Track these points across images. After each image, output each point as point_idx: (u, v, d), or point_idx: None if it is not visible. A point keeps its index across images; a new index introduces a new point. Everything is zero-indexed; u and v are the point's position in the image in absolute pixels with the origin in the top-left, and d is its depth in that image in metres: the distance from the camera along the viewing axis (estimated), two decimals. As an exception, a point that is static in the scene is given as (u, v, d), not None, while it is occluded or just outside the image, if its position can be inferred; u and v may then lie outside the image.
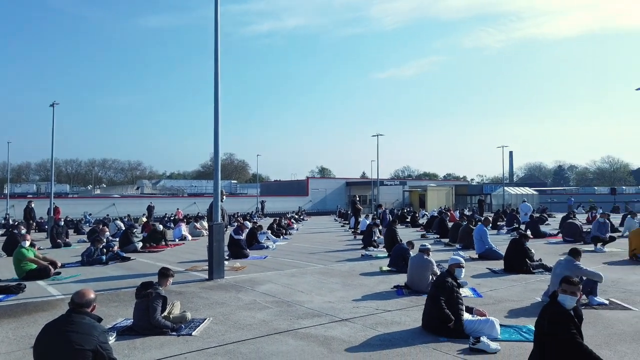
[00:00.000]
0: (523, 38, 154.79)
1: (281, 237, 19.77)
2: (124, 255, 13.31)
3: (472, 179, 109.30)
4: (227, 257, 12.26)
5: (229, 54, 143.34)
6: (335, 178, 68.92)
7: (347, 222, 28.79)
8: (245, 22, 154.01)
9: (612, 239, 14.36)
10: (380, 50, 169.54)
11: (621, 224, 19.83)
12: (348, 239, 19.42)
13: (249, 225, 17.13)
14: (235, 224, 18.56)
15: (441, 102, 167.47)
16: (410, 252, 10.01)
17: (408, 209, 41.59)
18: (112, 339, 5.42)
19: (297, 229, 25.67)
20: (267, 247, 15.74)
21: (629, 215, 18.91)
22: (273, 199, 52.98)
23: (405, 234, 19.00)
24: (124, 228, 20.53)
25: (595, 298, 7.08)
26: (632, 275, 9.63)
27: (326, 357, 4.89)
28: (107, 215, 36.84)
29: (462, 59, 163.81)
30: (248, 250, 13.89)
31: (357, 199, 24.08)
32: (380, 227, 17.55)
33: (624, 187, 68.56)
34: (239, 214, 37.21)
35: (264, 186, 70.11)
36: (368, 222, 19.02)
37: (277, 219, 24.10)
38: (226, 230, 11.15)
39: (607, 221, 15.25)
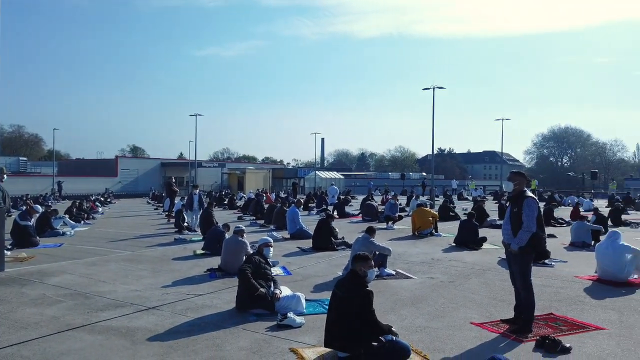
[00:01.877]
0: (335, 33, 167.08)
1: (82, 222, 17.70)
2: None
3: (288, 163, 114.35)
4: (9, 247, 10.47)
5: (16, 5, 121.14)
6: (149, 158, 64.60)
7: (160, 205, 27.36)
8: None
9: (400, 217, 16.65)
10: (199, 27, 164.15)
11: (407, 205, 23.13)
12: (161, 222, 18.46)
13: (40, 209, 14.89)
14: (23, 207, 15.93)
15: (261, 87, 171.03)
16: (226, 235, 9.97)
17: (226, 191, 41.48)
18: None
19: (102, 213, 23.36)
20: (64, 233, 13.92)
21: (413, 198, 22.18)
22: (74, 180, 46.98)
23: (222, 216, 18.92)
24: None
25: (385, 270, 8.10)
26: (414, 248, 11.31)
27: (128, 350, 4.54)
28: None
29: (281, 46, 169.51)
30: (38, 237, 12.05)
31: (173, 180, 23.03)
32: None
33: (411, 173, 79.88)
34: (29, 196, 32.08)
35: (63, 164, 61.71)
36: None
37: (78, 201, 21.49)
38: (10, 215, 9.48)
39: (396, 202, 17.60)
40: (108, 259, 9.80)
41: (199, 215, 14.53)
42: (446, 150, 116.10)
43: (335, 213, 18.55)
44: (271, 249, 6.49)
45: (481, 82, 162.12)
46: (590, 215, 14.44)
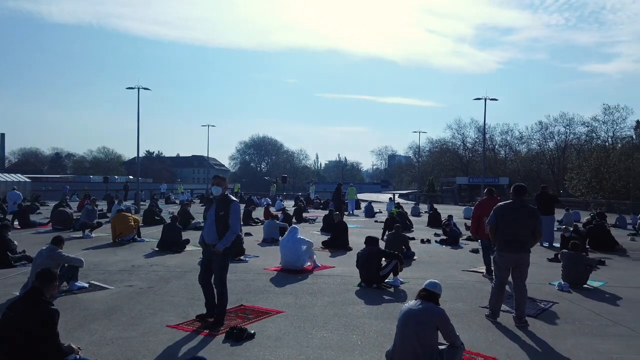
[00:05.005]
0: (16, 9, 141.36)
1: None
2: None
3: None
4: None
5: None
6: None
7: None
8: None
9: (100, 224, 15.33)
10: None
11: (109, 210, 21.50)
12: None
13: None
14: None
15: None
16: None
17: None
18: None
19: None
20: None
21: (115, 202, 20.83)
22: None
23: None
24: None
25: (76, 283, 7.30)
26: (114, 256, 10.58)
27: None
28: None
29: None
30: None
31: None
32: None
33: (116, 177, 74.69)
34: None
35: None
36: None
37: None
38: None
39: (95, 207, 16.16)
40: None
41: None
42: (155, 154, 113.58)
43: (15, 222, 15.73)
44: None
45: (188, 88, 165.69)
46: (280, 214, 16.62)
